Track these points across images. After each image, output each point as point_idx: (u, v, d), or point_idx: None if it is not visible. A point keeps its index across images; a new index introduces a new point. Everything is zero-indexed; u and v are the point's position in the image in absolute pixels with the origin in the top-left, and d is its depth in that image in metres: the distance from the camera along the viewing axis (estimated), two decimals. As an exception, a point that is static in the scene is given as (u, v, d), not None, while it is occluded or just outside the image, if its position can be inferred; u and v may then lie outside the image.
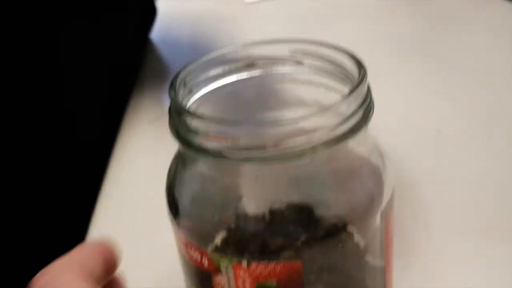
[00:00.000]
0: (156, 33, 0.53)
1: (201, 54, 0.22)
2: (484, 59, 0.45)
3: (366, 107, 0.20)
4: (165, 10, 0.55)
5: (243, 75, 0.24)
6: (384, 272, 0.23)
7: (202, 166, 0.21)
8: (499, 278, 0.28)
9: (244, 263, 0.20)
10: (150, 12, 0.54)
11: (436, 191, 0.33)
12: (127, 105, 0.44)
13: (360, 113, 0.20)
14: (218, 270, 0.21)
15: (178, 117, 0.20)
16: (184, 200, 0.22)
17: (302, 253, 0.20)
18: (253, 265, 0.20)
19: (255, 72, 0.24)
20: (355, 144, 0.21)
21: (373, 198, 0.22)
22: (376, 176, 0.22)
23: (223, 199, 0.21)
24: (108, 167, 0.38)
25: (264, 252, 0.20)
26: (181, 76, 0.22)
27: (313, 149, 0.19)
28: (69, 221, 0.37)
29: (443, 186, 0.34)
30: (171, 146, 0.21)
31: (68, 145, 0.42)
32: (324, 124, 0.19)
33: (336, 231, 0.21)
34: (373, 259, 0.23)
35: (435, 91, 0.42)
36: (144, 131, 0.39)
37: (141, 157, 0.38)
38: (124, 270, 0.22)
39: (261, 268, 0.20)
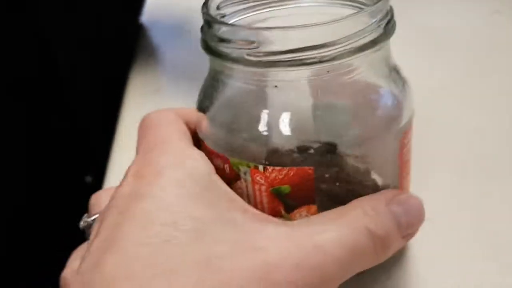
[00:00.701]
0: (147, 17, 0.54)
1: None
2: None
3: (387, 22, 0.22)
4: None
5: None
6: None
7: (232, 79, 0.23)
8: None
9: (261, 168, 0.22)
10: None
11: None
12: (125, 86, 0.44)
13: (381, 27, 0.21)
14: (238, 176, 0.23)
15: (208, 29, 0.22)
16: (213, 111, 0.24)
17: (313, 160, 0.22)
18: (269, 169, 0.22)
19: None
20: (376, 64, 0.22)
21: (391, 118, 0.23)
22: (395, 97, 0.23)
23: (249, 109, 0.23)
24: (113, 141, 0.38)
25: (279, 157, 0.22)
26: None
27: (334, 57, 0.20)
28: (75, 200, 0.36)
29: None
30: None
31: (68, 128, 0.43)
32: (345, 33, 0.20)
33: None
34: (384, 179, 0.24)
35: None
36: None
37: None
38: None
39: (275, 173, 0.22)
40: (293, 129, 0.22)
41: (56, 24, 0.40)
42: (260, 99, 0.22)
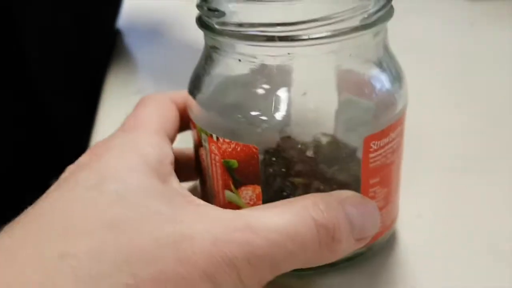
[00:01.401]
0: (123, 22, 0.55)
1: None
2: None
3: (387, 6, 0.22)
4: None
5: None
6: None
7: (220, 54, 0.23)
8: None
9: (214, 137, 0.23)
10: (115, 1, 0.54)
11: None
12: (101, 89, 0.45)
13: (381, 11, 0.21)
14: (200, 143, 0.24)
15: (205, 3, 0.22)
16: (203, 90, 0.24)
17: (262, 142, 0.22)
18: (220, 140, 0.23)
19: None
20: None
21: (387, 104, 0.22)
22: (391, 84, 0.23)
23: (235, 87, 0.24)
24: (89, 144, 0.37)
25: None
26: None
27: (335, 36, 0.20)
28: None
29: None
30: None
31: (45, 128, 0.43)
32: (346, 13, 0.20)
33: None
34: (345, 178, 0.23)
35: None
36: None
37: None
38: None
39: (226, 145, 0.22)
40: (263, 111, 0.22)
41: (32, 28, 0.40)
42: (245, 78, 0.23)
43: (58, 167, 0.21)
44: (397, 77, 0.24)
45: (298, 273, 0.25)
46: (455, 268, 0.25)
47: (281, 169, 0.22)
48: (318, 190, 0.24)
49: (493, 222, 0.28)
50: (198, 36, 0.24)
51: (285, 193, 0.23)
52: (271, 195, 0.23)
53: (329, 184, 0.23)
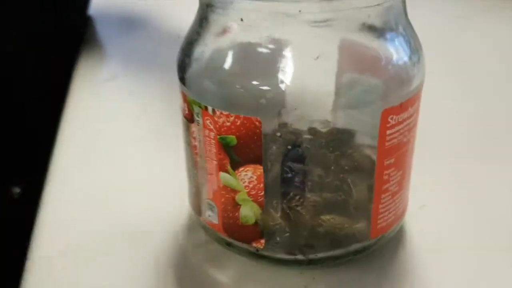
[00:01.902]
0: (95, 9, 0.53)
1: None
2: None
3: None
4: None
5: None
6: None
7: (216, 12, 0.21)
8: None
9: (210, 110, 0.20)
10: None
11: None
12: (71, 75, 0.42)
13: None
14: (193, 118, 0.21)
15: None
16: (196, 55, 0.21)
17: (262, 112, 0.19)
18: (217, 113, 0.20)
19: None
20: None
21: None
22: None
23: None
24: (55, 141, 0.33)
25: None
26: None
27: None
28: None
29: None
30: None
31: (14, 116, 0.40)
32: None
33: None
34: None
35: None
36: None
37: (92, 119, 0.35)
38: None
39: (223, 118, 0.19)
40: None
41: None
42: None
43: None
44: (415, 48, 0.21)
45: (294, 263, 0.22)
46: (463, 260, 0.23)
47: (279, 154, 0.20)
48: (319, 177, 0.21)
49: (499, 211, 0.26)
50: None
51: (286, 177, 0.20)
52: (272, 179, 0.20)
53: (330, 171, 0.20)
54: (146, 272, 0.23)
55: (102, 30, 0.52)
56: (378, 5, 0.19)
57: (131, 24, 0.53)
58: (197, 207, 0.23)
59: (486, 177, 0.28)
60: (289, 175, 0.21)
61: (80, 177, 0.29)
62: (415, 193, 0.25)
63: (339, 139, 0.22)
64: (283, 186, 0.21)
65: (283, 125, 0.21)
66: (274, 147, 0.20)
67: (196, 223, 0.25)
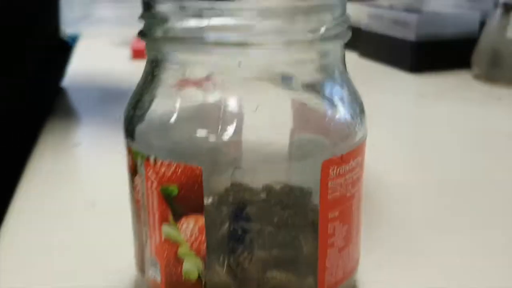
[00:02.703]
0: (68, 81, 0.57)
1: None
2: None
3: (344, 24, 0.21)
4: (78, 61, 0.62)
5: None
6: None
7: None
8: None
9: (152, 160, 0.20)
10: (61, 62, 0.55)
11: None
12: (35, 144, 0.42)
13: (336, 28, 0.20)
14: (136, 169, 0.21)
15: (148, 10, 0.20)
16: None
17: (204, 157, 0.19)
18: (158, 163, 0.20)
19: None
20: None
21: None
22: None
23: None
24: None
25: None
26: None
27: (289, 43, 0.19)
28: None
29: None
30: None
31: None
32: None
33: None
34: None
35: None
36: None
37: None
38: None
39: (165, 167, 0.19)
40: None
41: None
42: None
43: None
44: (355, 108, 0.22)
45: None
46: None
47: (231, 213, 0.20)
48: (270, 235, 0.21)
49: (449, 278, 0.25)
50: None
51: (234, 234, 0.20)
52: (218, 239, 0.20)
53: (283, 229, 0.20)
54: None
55: (74, 100, 0.54)
56: (311, 63, 0.20)
57: (103, 95, 0.54)
58: (141, 266, 0.22)
59: (441, 243, 0.28)
60: (239, 232, 0.20)
61: (33, 238, 0.28)
62: (371, 253, 0.25)
63: (293, 197, 0.22)
64: (231, 243, 0.21)
65: (235, 184, 0.21)
66: (224, 205, 0.20)
67: (141, 285, 0.24)
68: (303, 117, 0.21)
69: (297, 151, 0.21)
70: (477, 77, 0.61)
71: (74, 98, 0.55)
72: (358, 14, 0.73)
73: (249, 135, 0.20)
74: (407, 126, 0.47)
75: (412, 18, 0.62)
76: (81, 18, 0.98)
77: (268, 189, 0.22)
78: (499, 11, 0.59)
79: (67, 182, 0.35)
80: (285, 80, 0.21)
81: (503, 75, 0.58)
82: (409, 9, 0.69)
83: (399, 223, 0.30)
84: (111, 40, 0.82)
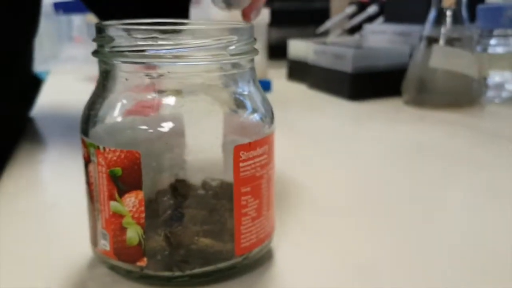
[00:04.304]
0: (38, 111, 0.62)
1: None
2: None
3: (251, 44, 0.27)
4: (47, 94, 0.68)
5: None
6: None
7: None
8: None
9: (101, 148, 0.25)
10: (32, 91, 0.60)
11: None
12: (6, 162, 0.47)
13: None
14: (89, 158, 0.26)
15: (100, 33, 0.26)
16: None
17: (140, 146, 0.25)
18: (107, 150, 0.25)
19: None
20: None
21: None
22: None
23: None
24: None
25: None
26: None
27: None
28: None
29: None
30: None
31: None
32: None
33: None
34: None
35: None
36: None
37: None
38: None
39: (111, 153, 0.25)
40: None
41: None
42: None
43: None
44: (265, 112, 0.28)
45: (175, 281, 0.26)
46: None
47: (173, 203, 0.25)
48: (203, 217, 0.27)
49: (361, 252, 0.31)
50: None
51: (173, 219, 0.26)
52: (159, 221, 0.25)
53: (214, 213, 0.26)
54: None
55: (42, 129, 0.59)
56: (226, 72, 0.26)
57: (67, 123, 0.59)
58: (94, 240, 0.28)
59: (353, 226, 0.34)
60: (177, 215, 0.26)
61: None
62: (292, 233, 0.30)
63: (224, 189, 0.27)
64: (169, 222, 0.26)
65: (180, 181, 0.27)
66: (167, 196, 0.25)
67: (95, 258, 0.29)
68: (229, 122, 0.27)
69: (227, 151, 0.26)
70: (407, 102, 0.68)
71: (42, 126, 0.60)
72: (306, 50, 0.81)
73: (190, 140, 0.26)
74: (341, 141, 0.54)
75: (349, 52, 0.70)
76: (50, 56, 1.04)
77: (204, 184, 0.28)
78: (423, 43, 0.67)
79: (32, 190, 0.40)
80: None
81: (428, 100, 0.66)
82: (349, 45, 0.77)
83: (316, 209, 0.36)
84: (77, 76, 0.88)
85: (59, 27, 1.15)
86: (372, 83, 0.71)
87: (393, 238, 0.32)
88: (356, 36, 0.94)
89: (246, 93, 0.28)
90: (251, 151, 0.26)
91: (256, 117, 0.27)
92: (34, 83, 0.65)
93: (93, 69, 0.51)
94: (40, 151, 0.51)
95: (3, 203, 0.38)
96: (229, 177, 0.26)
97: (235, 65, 0.27)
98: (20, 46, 0.57)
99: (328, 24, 1.03)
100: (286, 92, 0.80)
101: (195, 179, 0.28)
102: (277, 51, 1.00)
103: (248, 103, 0.27)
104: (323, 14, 1.10)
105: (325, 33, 1.04)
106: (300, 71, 0.84)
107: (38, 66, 0.70)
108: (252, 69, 0.28)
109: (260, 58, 0.83)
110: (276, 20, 0.97)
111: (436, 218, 0.35)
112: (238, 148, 0.26)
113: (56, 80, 0.87)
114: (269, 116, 0.28)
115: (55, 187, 0.42)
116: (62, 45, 1.14)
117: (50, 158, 0.50)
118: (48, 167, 0.47)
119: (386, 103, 0.69)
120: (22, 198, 0.39)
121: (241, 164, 0.26)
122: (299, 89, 0.81)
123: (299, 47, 0.85)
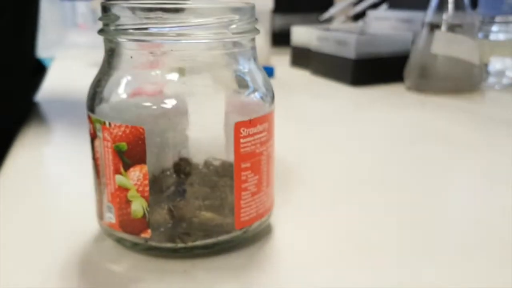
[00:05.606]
0: (43, 96, 0.63)
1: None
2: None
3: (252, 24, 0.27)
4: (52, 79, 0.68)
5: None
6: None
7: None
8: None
9: (107, 124, 0.26)
10: (36, 76, 0.61)
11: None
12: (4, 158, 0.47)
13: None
14: (95, 134, 0.27)
15: (105, 12, 0.27)
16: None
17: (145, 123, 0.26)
18: (112, 125, 0.26)
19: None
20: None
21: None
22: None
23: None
24: None
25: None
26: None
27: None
28: None
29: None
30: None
31: None
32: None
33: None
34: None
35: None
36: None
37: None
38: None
39: (117, 129, 0.26)
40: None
41: None
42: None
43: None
44: (266, 92, 0.29)
45: (177, 253, 0.27)
46: (325, 272, 0.28)
47: (176, 180, 0.26)
48: (204, 193, 0.27)
49: (361, 229, 0.32)
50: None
51: (177, 194, 0.27)
52: (163, 195, 0.26)
53: (215, 189, 0.27)
54: (54, 267, 0.27)
55: (47, 114, 0.60)
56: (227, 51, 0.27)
57: (74, 107, 0.60)
58: (100, 213, 0.29)
59: (352, 206, 0.35)
60: (180, 191, 0.27)
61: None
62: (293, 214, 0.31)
63: (227, 169, 0.28)
64: (172, 196, 0.27)
65: (183, 159, 0.28)
66: (171, 173, 0.26)
67: (100, 231, 0.30)
68: (230, 101, 0.28)
69: (228, 131, 0.27)
70: (409, 88, 0.69)
71: (46, 110, 0.61)
72: (309, 37, 0.82)
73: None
74: (344, 126, 0.55)
75: (352, 39, 0.71)
76: (55, 42, 1.05)
77: (207, 163, 0.29)
78: (425, 30, 0.68)
79: (38, 169, 0.42)
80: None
81: (430, 86, 0.67)
82: (352, 32, 0.77)
83: (316, 189, 0.37)
84: (82, 63, 0.89)
85: (63, 13, 1.16)
86: (374, 69, 0.71)
87: (391, 217, 0.33)
88: (360, 23, 0.94)
89: (247, 70, 0.28)
90: (251, 128, 0.27)
91: (257, 95, 0.28)
92: (38, 68, 0.66)
93: (97, 55, 0.52)
94: (45, 133, 0.52)
95: (9, 181, 0.39)
96: (231, 157, 0.27)
97: (236, 44, 0.28)
98: (19, 27, 0.57)
99: (332, 11, 1.03)
100: (290, 78, 0.81)
101: (198, 158, 0.28)
102: (280, 38, 1.01)
103: (250, 81, 0.28)
104: (327, 1, 1.10)
105: (329, 20, 1.05)
106: (303, 58, 0.84)
107: (42, 52, 0.71)
108: (253, 48, 0.29)
109: (264, 45, 0.83)
110: (280, 7, 0.98)
111: (435, 200, 0.36)
112: (239, 125, 0.26)
113: (60, 66, 0.88)
114: (269, 95, 0.29)
115: (60, 166, 0.43)
116: (67, 31, 1.15)
117: (56, 139, 0.51)
118: (54, 148, 0.48)
119: (389, 89, 0.70)
120: (28, 176, 0.40)
121: (241, 140, 0.27)
122: (303, 76, 0.82)
123: (303, 34, 0.85)
